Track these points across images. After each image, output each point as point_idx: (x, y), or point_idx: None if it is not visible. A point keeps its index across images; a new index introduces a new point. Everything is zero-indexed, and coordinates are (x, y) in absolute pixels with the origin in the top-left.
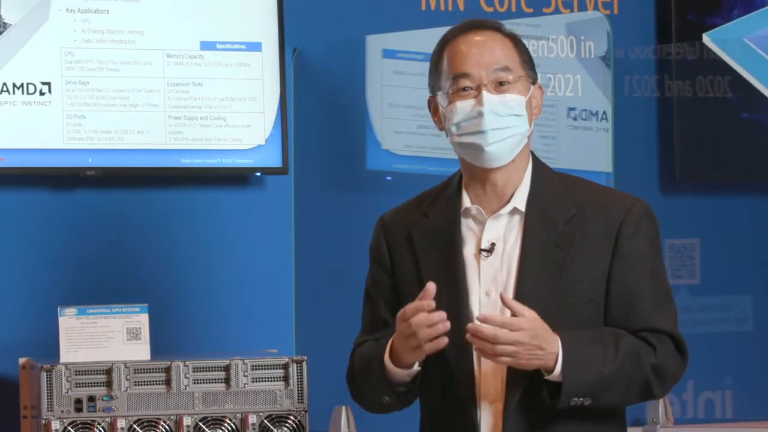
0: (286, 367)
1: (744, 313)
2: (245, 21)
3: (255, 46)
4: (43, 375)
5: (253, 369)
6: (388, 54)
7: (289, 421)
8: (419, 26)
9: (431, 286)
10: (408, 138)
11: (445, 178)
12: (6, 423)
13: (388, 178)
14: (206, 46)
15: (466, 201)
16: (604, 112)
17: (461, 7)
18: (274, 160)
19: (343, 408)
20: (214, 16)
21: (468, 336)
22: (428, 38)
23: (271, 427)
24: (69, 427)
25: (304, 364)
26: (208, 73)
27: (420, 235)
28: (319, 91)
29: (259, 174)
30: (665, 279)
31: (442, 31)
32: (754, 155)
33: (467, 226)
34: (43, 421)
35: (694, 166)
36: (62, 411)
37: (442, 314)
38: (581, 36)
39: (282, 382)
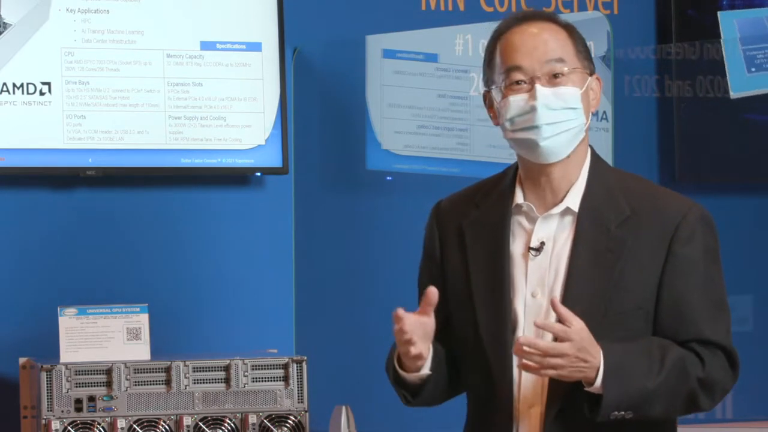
0: (286, 367)
1: (744, 313)
2: (245, 21)
3: (255, 46)
4: (43, 375)
5: (253, 369)
6: (388, 54)
7: (289, 421)
8: (419, 26)
9: (432, 292)
10: (408, 138)
11: (444, 178)
12: (6, 423)
13: (388, 178)
14: (206, 46)
15: (519, 197)
16: (604, 112)
17: (461, 7)
18: (274, 160)
19: (343, 408)
20: (214, 16)
21: (519, 349)
22: (428, 38)
23: (271, 427)
24: (69, 427)
25: (304, 364)
26: (208, 73)
27: (470, 229)
28: (319, 91)
29: (259, 174)
30: (720, 288)
31: (443, 31)
32: (754, 155)
33: (518, 223)
34: (43, 421)
35: (694, 166)
36: (62, 411)
37: (397, 313)
38: None
39: (282, 382)
